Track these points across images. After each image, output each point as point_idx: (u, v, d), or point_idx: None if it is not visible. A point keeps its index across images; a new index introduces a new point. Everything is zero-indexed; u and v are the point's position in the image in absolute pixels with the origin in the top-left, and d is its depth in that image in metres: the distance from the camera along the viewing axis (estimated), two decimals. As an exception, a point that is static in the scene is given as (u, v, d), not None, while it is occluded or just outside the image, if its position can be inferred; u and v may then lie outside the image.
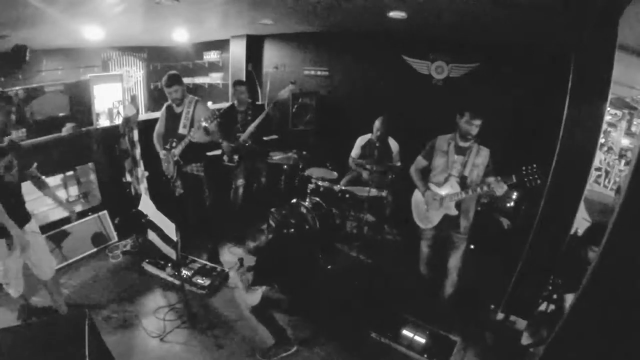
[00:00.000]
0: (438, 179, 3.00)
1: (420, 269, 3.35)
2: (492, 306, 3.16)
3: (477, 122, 2.78)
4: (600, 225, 2.83)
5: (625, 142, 6.86)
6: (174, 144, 3.41)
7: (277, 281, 2.98)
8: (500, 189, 2.67)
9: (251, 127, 4.02)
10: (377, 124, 4.22)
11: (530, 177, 2.58)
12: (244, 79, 5.63)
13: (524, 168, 2.60)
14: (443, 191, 2.95)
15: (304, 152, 4.50)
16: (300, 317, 3.01)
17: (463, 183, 2.90)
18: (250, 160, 4.21)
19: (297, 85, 5.25)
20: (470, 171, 2.88)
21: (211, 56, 6.46)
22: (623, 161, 6.59)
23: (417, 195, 3.17)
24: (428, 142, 3.11)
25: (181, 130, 3.40)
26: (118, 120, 4.03)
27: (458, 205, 2.92)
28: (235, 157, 4.08)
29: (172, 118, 3.49)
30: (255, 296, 2.56)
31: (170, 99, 3.41)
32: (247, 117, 4.11)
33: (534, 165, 2.58)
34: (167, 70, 3.49)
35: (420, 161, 3.13)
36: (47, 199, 2.91)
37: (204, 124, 3.23)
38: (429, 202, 3.02)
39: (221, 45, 6.19)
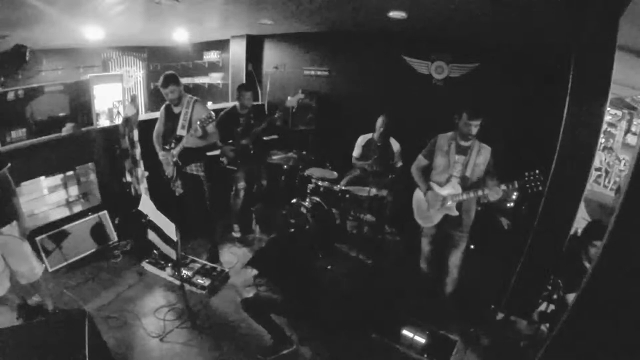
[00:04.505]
0: (439, 179, 3.01)
1: (420, 266, 3.36)
2: (492, 306, 3.16)
3: (475, 122, 2.77)
4: (599, 222, 2.84)
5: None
6: (172, 145, 3.40)
7: (275, 280, 2.97)
8: (495, 195, 2.69)
9: (253, 135, 4.02)
10: (379, 121, 4.18)
11: (532, 184, 2.57)
12: (244, 79, 5.64)
13: (527, 174, 2.59)
14: (445, 191, 2.96)
15: (304, 152, 4.50)
16: (299, 317, 3.00)
17: (464, 184, 2.91)
18: (251, 163, 4.18)
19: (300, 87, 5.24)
20: (471, 171, 2.89)
21: (211, 56, 6.48)
22: (623, 161, 6.58)
23: (418, 194, 3.17)
24: (429, 141, 3.10)
25: (179, 131, 3.37)
26: (118, 120, 4.03)
27: (459, 205, 2.92)
28: (238, 160, 4.05)
29: (171, 118, 3.45)
30: (243, 277, 2.48)
31: (167, 99, 3.38)
32: (249, 120, 4.07)
33: (537, 172, 2.57)
34: (167, 70, 3.48)
35: (421, 160, 3.13)
36: (47, 199, 2.87)
37: (198, 129, 3.19)
38: (430, 202, 3.02)
39: (221, 45, 6.19)
